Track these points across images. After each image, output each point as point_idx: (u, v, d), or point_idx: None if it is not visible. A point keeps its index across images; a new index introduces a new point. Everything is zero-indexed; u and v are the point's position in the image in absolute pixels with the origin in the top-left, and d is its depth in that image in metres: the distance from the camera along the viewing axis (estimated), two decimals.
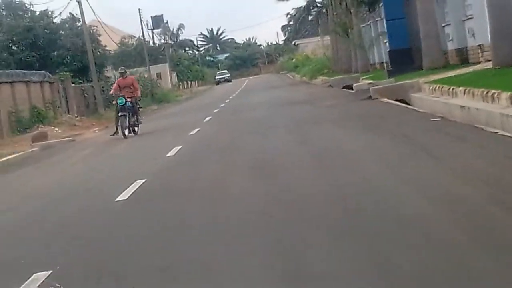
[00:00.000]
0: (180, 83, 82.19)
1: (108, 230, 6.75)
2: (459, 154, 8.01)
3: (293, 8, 64.11)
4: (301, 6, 58.98)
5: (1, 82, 29.07)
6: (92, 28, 45.36)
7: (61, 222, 7.64)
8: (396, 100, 17.36)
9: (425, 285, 3.92)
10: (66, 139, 24.14)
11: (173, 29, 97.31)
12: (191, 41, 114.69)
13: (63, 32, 44.51)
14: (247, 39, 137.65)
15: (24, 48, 42.56)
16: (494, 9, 16.15)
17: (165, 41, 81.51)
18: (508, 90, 10.84)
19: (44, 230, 7.41)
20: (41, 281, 5.12)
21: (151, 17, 76.12)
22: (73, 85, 37.39)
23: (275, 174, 8.57)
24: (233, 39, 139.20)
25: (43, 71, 35.09)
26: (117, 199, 8.30)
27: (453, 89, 13.99)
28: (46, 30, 43.42)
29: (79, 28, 41.09)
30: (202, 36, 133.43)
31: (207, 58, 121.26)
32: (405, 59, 25.89)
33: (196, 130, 17.63)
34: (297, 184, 7.64)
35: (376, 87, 20.07)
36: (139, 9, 62.67)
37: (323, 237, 5.21)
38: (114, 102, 20.56)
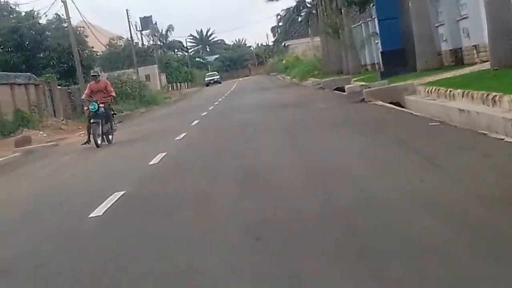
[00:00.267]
0: (170, 84, 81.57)
1: (74, 260, 5.82)
2: (467, 165, 7.30)
3: (282, 9, 63.94)
4: (291, 7, 58.69)
5: None
6: (79, 29, 44.61)
7: (21, 249, 6.59)
8: (390, 103, 16.92)
9: None
10: (49, 143, 23.45)
11: (162, 30, 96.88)
12: (180, 42, 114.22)
13: (49, 33, 43.79)
14: (237, 40, 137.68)
15: (9, 49, 41.79)
16: (492, 8, 15.64)
17: (154, 43, 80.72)
18: (510, 93, 10.28)
19: None
20: None
21: (140, 18, 75.45)
22: (59, 87, 36.69)
23: (265, 187, 7.83)
24: (222, 40, 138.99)
25: (28, 73, 34.45)
26: (91, 215, 7.54)
27: (450, 91, 13.50)
28: (32, 31, 42.70)
29: (66, 29, 40.29)
30: (191, 37, 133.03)
31: (197, 59, 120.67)
32: (398, 60, 25.55)
33: (183, 135, 16.94)
34: (289, 199, 6.91)
35: (369, 89, 19.57)
36: (127, 10, 61.82)
37: (319, 266, 4.51)
38: (85, 108, 19.16)
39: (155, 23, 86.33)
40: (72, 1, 49.12)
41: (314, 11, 51.79)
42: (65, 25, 40.70)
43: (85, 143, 17.95)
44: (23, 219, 8.44)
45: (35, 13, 43.43)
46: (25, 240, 7.12)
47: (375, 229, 5.17)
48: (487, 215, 5.16)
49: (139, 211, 7.67)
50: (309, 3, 54.08)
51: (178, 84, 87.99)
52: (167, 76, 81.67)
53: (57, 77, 37.36)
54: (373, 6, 31.91)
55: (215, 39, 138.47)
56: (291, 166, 9.11)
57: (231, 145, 13.07)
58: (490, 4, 15.68)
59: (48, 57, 42.07)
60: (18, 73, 33.58)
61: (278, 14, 68.04)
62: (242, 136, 14.61)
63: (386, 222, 5.33)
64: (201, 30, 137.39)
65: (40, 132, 27.80)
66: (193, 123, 21.17)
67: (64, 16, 39.55)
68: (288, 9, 60.90)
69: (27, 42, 42.23)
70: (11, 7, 43.70)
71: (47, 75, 36.62)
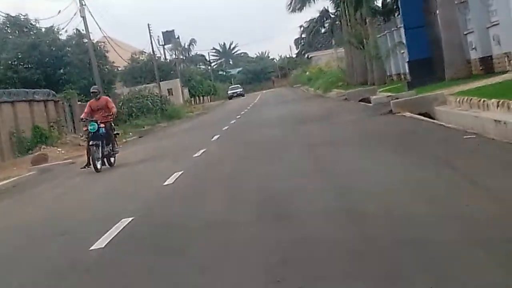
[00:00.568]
0: (192, 98, 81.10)
1: None
2: None
3: (305, 21, 63.37)
4: (314, 18, 58.03)
5: (2, 102, 27.87)
6: (100, 44, 44.23)
7: None
8: (420, 114, 16.04)
9: None
10: (66, 161, 22.83)
11: (184, 44, 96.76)
12: (202, 56, 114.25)
13: (69, 49, 43.47)
14: (260, 53, 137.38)
15: (29, 66, 41.49)
16: None
17: (176, 56, 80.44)
18: None
19: None
20: None
21: (162, 32, 75.61)
22: (79, 103, 36.17)
23: (287, 216, 6.87)
24: (245, 53, 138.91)
25: (47, 90, 34.10)
26: (92, 247, 6.75)
27: (484, 101, 12.60)
28: (52, 47, 42.46)
29: (86, 44, 39.87)
30: (214, 50, 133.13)
31: (220, 72, 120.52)
32: (425, 69, 24.75)
33: (202, 151, 16.14)
34: (316, 231, 6.00)
35: (397, 100, 18.66)
36: (148, 25, 61.58)
37: None
38: (85, 129, 17.77)
39: (178, 37, 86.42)
40: (92, 16, 48.87)
41: (338, 22, 51.07)
42: (85, 40, 40.31)
43: (84, 167, 16.41)
44: (15, 255, 7.63)
45: (55, 29, 43.20)
46: (9, 280, 6.32)
47: (426, 275, 4.29)
48: None
49: (146, 243, 6.84)
50: (332, 14, 53.33)
51: (201, 97, 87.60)
52: (189, 89, 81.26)
53: (77, 93, 36.89)
54: (398, 15, 31.12)
55: (238, 52, 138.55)
56: (318, 191, 8.09)
57: (252, 164, 12.16)
58: None
59: (69, 73, 41.71)
60: (37, 90, 33.15)
61: (301, 26, 67.68)
62: (264, 153, 13.72)
63: (435, 266, 4.44)
64: (224, 44, 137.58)
65: (58, 149, 27.30)
66: (213, 138, 20.48)
67: (84, 32, 39.21)
68: (311, 20, 60.30)
69: (47, 59, 41.94)
70: (31, 24, 43.46)
71: (67, 91, 36.18)
